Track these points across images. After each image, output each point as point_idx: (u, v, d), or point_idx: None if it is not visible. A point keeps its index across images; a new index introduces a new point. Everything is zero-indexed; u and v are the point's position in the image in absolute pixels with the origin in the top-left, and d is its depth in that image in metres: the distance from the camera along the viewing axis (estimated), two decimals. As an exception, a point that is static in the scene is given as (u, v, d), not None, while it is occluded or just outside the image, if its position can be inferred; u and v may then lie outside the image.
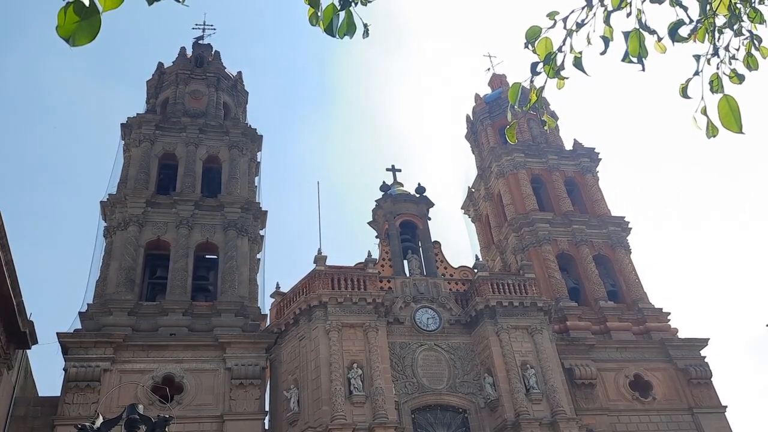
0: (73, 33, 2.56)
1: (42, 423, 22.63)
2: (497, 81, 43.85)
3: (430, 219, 31.34)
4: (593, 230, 33.37)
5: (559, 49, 3.67)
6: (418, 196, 31.75)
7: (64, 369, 23.71)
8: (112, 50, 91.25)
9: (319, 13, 3.27)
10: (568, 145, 38.31)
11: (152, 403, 21.97)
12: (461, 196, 41.24)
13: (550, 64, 3.65)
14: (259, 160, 35.13)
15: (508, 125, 4.00)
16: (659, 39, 3.74)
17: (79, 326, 25.26)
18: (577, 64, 3.69)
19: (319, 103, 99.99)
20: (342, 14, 3.28)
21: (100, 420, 11.59)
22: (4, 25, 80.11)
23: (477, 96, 42.11)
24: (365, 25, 3.37)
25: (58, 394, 23.40)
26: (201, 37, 40.09)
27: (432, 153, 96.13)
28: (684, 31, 3.76)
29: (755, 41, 4.34)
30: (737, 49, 4.29)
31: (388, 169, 33.38)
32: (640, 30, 3.66)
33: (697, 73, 3.74)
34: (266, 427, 24.64)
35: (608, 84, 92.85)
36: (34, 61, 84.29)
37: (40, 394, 25.77)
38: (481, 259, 30.31)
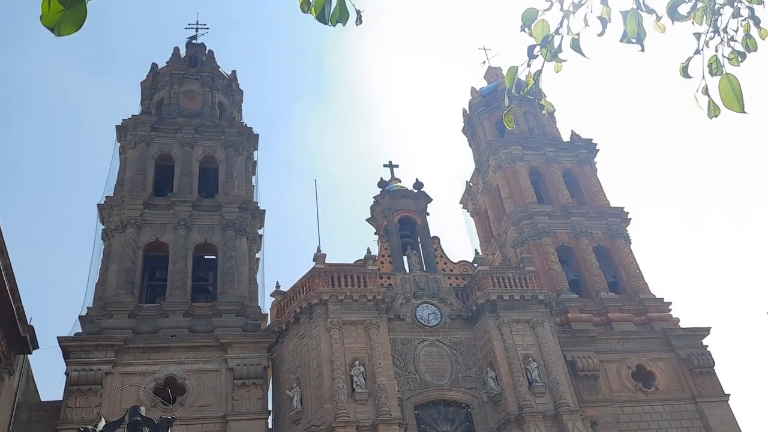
0: (57, 22, 2.49)
1: (45, 427, 22.60)
2: (493, 74, 43.76)
3: (428, 214, 31.33)
4: (592, 222, 33.35)
5: (556, 32, 3.60)
6: (416, 191, 31.69)
7: (65, 373, 23.67)
8: (106, 51, 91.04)
9: (311, 0, 3.20)
10: (566, 137, 38.27)
11: (155, 405, 21.94)
12: (459, 191, 41.21)
13: (548, 47, 3.58)
14: (255, 159, 35.07)
15: (504, 112, 3.92)
16: (658, 18, 3.67)
17: (80, 330, 25.20)
18: (575, 45, 3.62)
19: (315, 101, 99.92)
20: (334, 1, 3.21)
21: (103, 423, 11.51)
22: (3, 29, 79.86)
23: (473, 89, 42.04)
24: (358, 12, 3.29)
25: (61, 398, 23.36)
26: (194, 37, 40.00)
27: (429, 148, 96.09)
28: (683, 9, 3.69)
29: (754, 22, 4.27)
30: (735, 31, 4.22)
31: (385, 165, 33.37)
32: (639, 10, 3.59)
33: (698, 52, 3.68)
34: (270, 426, 24.61)
35: (604, 74, 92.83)
36: (27, 62, 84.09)
37: (42, 399, 25.69)
38: (480, 254, 30.25)
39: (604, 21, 3.61)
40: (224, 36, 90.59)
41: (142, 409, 11.70)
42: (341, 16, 3.22)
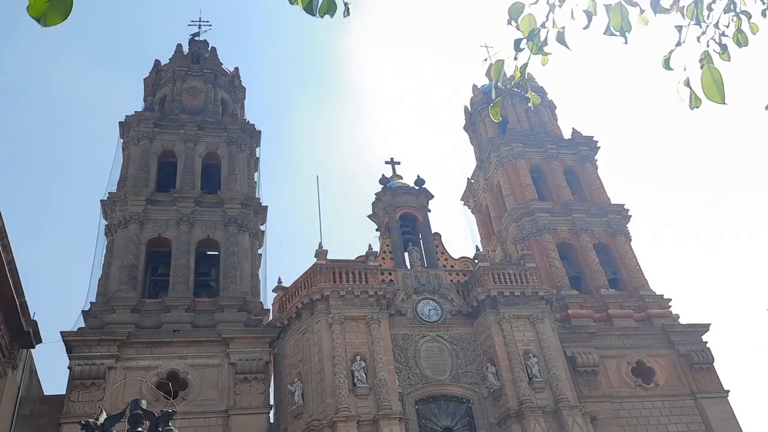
0: (44, 12, 2.54)
1: (48, 421, 22.74)
2: (495, 71, 43.69)
3: (429, 211, 31.41)
4: (593, 218, 33.40)
5: (543, 25, 3.68)
6: (417, 188, 31.78)
7: (68, 367, 23.81)
8: (109, 47, 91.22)
9: (298, -9, 3.26)
10: (567, 134, 38.30)
11: (157, 400, 22.01)
12: (461, 188, 41.28)
13: (534, 40, 3.67)
14: (257, 155, 35.18)
15: (491, 105, 4.01)
16: (642, 11, 3.75)
17: (83, 325, 25.36)
18: (560, 38, 3.70)
19: (317, 97, 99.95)
20: (322, -8, 3.27)
21: (104, 416, 11.61)
22: (3, 21, 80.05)
23: (474, 87, 42.11)
24: (345, 4, 3.36)
25: (64, 393, 23.51)
26: (197, 34, 40.10)
27: (431, 145, 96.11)
28: (666, 2, 3.77)
29: (744, 17, 4.35)
30: (727, 26, 4.30)
31: (387, 162, 33.46)
32: (623, 3, 3.67)
33: (679, 44, 3.76)
34: (271, 420, 24.76)
35: (606, 71, 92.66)
36: (28, 57, 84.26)
37: (45, 393, 25.89)
38: (481, 250, 30.35)
39: (589, 14, 3.69)
40: (227, 33, 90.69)
41: (143, 402, 11.80)
42: (329, 8, 3.28)
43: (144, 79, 37.78)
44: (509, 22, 3.62)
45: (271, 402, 25.28)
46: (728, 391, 28.14)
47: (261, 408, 24.48)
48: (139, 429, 11.06)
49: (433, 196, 31.83)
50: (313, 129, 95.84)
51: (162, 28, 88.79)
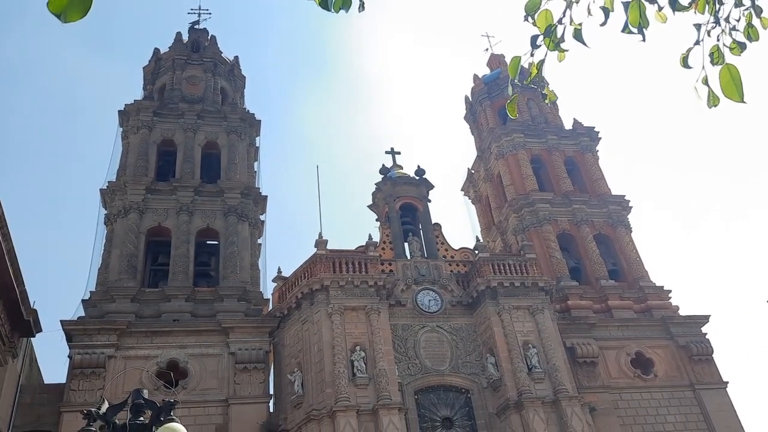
0: (64, 8, 2.52)
1: (48, 410, 22.80)
2: (496, 61, 43.60)
3: (430, 201, 31.36)
4: (593, 209, 33.38)
5: (559, 21, 3.63)
6: (417, 178, 31.71)
7: (69, 356, 23.84)
8: (109, 35, 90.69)
9: (313, -14, 3.21)
10: (568, 125, 38.21)
11: (157, 389, 22.11)
12: (461, 178, 41.21)
13: (551, 37, 3.61)
14: (257, 144, 35.08)
15: (508, 102, 3.96)
16: (660, 8, 3.70)
17: (83, 314, 25.37)
18: (577, 35, 3.65)
19: (317, 87, 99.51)
20: (337, -13, 3.22)
21: (106, 405, 11.62)
22: (1, 9, 79.48)
23: (476, 77, 41.93)
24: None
25: (64, 381, 23.55)
26: (197, 22, 39.87)
27: (431, 135, 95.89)
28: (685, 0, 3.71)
29: (755, 11, 4.30)
30: (737, 20, 4.25)
31: (387, 152, 33.38)
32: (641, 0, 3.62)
33: (697, 43, 3.71)
34: (271, 410, 24.83)
35: (608, 63, 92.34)
36: (28, 44, 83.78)
37: (45, 382, 25.95)
38: (481, 241, 30.33)
39: (606, 11, 3.64)
40: (226, 21, 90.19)
41: (145, 392, 11.82)
42: (344, 2, 3.22)
43: (143, 68, 37.59)
44: (525, 18, 3.57)
45: (271, 391, 25.34)
46: (727, 382, 28.26)
47: (261, 397, 24.56)
48: (141, 418, 11.07)
49: (433, 187, 31.79)
50: (314, 119, 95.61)
51: (161, 16, 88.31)
